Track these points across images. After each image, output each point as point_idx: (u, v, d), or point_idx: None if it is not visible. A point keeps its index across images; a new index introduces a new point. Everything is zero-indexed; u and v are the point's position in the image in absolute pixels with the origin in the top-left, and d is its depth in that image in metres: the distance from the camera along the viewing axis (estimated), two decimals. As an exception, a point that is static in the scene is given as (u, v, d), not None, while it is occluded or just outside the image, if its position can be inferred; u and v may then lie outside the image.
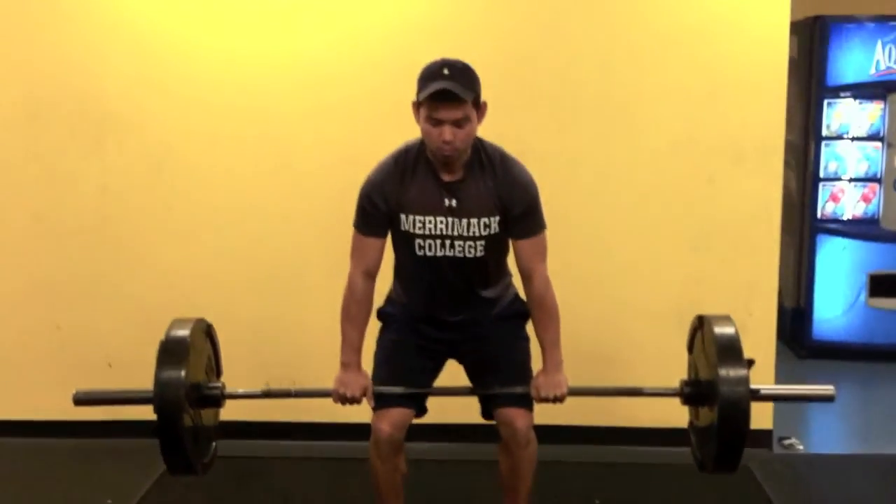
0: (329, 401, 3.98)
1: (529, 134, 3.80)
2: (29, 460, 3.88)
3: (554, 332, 2.67)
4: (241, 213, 3.92)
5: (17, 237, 3.99)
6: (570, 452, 3.76)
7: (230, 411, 3.98)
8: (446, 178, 2.57)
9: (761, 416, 3.90)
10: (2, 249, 4.00)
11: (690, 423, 2.86)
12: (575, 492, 3.53)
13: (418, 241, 2.60)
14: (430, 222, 2.58)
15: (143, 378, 3.96)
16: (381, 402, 2.71)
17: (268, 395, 2.90)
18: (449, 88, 2.41)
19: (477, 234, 2.59)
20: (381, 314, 2.85)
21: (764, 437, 3.92)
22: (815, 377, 5.00)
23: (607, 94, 3.82)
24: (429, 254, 2.61)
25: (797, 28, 5.06)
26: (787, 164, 4.91)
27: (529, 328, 2.81)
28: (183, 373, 2.51)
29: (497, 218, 2.59)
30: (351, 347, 2.69)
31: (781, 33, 3.73)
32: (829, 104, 5.07)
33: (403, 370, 2.73)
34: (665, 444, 3.88)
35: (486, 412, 2.80)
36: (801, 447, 4.00)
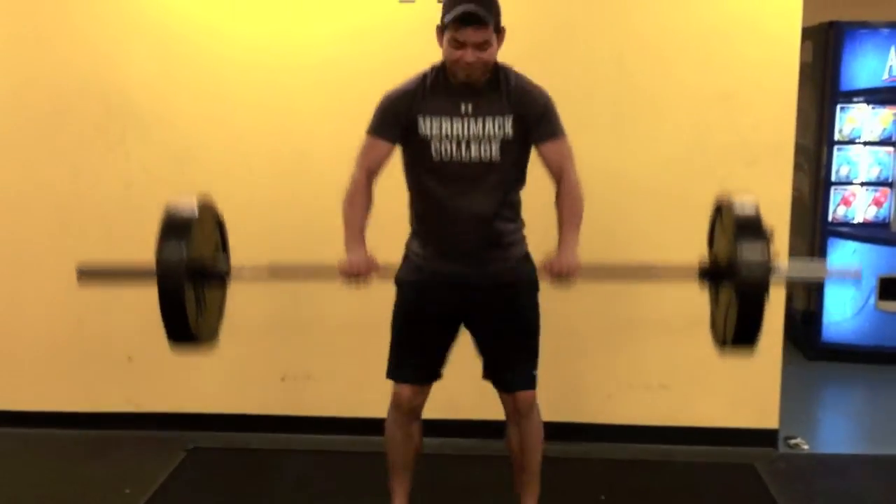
0: (341, 397, 4.08)
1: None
2: (50, 450, 3.96)
3: (575, 216, 2.73)
4: (262, 209, 3.95)
5: (42, 232, 4.06)
6: (576, 450, 3.81)
7: (246, 405, 4.10)
8: (464, 88, 2.67)
9: (767, 416, 3.98)
10: (26, 244, 4.07)
11: (711, 310, 2.84)
12: (581, 489, 3.57)
13: (434, 144, 2.68)
14: (446, 122, 2.67)
15: (161, 372, 4.10)
16: (398, 376, 2.86)
17: (274, 273, 2.87)
18: (473, 11, 2.53)
19: (492, 133, 2.67)
20: (397, 279, 2.88)
21: (769, 436, 3.97)
22: (825, 379, 5.07)
23: (621, 96, 3.86)
24: (444, 158, 2.68)
25: (812, 33, 5.10)
26: (799, 167, 4.95)
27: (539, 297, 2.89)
28: (186, 245, 2.50)
29: (511, 118, 2.68)
30: (354, 229, 2.74)
31: (793, 38, 3.76)
32: (841, 109, 5.10)
33: (418, 347, 2.85)
34: (670, 442, 3.96)
35: (488, 375, 2.91)
36: (806, 447, 4.02)
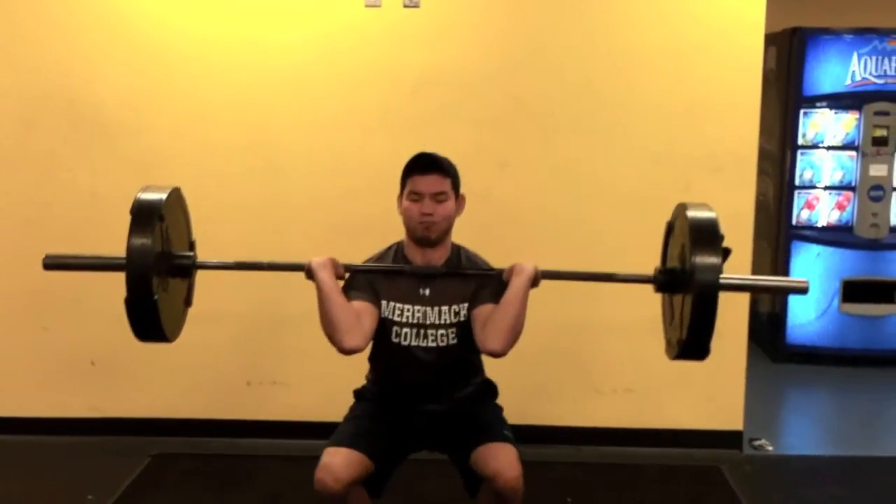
0: (307, 401, 4.07)
1: (515, 145, 3.89)
2: (12, 457, 3.91)
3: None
4: (229, 220, 3.93)
5: (9, 240, 4.01)
6: (542, 453, 3.80)
7: (210, 410, 4.07)
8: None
9: (732, 418, 4.01)
10: (-9, 251, 4.03)
11: (664, 319, 2.80)
12: (548, 492, 3.57)
13: (395, 328, 2.67)
14: (408, 310, 2.67)
15: (125, 377, 4.07)
16: (336, 438, 2.65)
17: (240, 266, 2.86)
18: (431, 157, 2.63)
19: (448, 321, 2.67)
20: (356, 392, 2.88)
21: (735, 438, 4.01)
22: (790, 381, 5.13)
23: (590, 109, 3.89)
24: (403, 343, 2.68)
25: (775, 39, 5.16)
26: (764, 172, 5.00)
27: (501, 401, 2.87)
28: (155, 239, 2.43)
29: (466, 305, 2.66)
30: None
31: (756, 50, 3.82)
32: (805, 114, 5.17)
33: (367, 430, 2.68)
34: (636, 445, 3.99)
35: (469, 480, 2.73)
36: (770, 448, 4.06)
